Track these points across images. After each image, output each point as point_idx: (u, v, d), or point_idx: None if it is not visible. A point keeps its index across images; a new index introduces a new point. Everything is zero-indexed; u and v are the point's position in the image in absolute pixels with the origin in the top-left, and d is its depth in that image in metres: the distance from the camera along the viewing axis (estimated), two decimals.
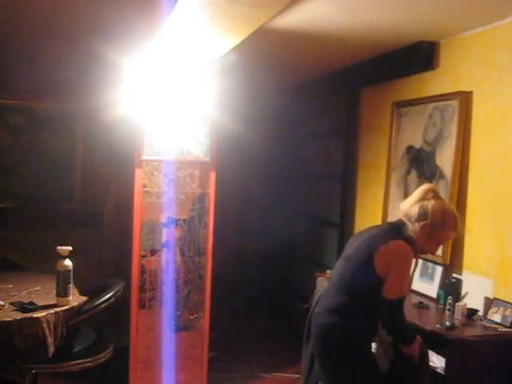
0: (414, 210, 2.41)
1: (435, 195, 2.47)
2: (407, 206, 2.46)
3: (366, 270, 2.35)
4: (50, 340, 2.83)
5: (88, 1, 2.85)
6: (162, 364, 3.60)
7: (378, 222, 3.90)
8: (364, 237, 2.46)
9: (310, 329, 2.59)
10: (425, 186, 2.52)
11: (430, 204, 2.41)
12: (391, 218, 2.66)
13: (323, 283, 3.54)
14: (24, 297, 3.11)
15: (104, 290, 3.31)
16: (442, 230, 2.42)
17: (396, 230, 2.43)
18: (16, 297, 3.11)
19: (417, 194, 2.49)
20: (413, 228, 2.40)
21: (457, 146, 3.14)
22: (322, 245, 4.87)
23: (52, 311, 2.89)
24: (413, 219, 2.41)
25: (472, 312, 2.83)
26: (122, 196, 4.52)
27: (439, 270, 3.24)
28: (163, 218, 3.63)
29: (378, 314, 2.42)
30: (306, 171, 5.39)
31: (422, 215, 2.39)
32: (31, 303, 2.95)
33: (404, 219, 2.44)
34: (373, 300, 2.37)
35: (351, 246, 2.51)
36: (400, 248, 2.36)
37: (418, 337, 2.47)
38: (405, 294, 2.43)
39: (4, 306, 2.91)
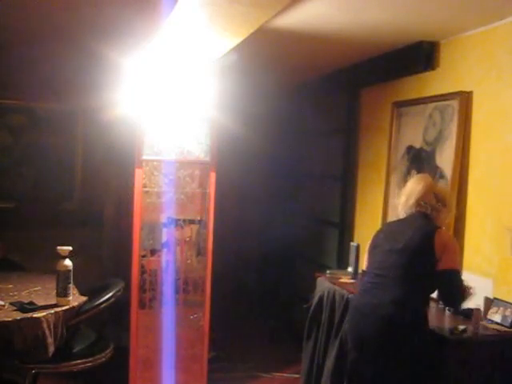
0: (432, 200, 2.62)
1: (432, 181, 2.75)
2: (415, 199, 2.63)
3: (428, 257, 2.49)
4: (49, 340, 2.83)
5: (88, 1, 2.85)
6: (161, 364, 3.60)
7: (378, 221, 3.91)
8: (409, 230, 2.57)
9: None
10: (421, 177, 2.76)
11: (441, 190, 2.72)
12: (397, 211, 2.76)
13: (323, 283, 3.55)
14: (24, 297, 3.11)
15: (104, 290, 3.31)
16: (452, 210, 2.75)
17: (428, 220, 2.61)
18: (16, 297, 3.11)
19: (419, 186, 2.66)
20: (441, 215, 2.64)
21: (457, 146, 3.14)
22: (322, 245, 4.87)
23: (52, 311, 2.89)
24: (437, 207, 2.62)
25: (471, 312, 2.83)
26: (122, 196, 4.52)
27: None
28: (163, 218, 3.63)
29: (444, 294, 2.60)
30: (306, 171, 5.39)
31: (444, 203, 2.64)
32: (31, 303, 2.95)
33: (423, 210, 2.62)
34: (430, 286, 2.57)
35: (393, 240, 2.60)
36: (447, 234, 2.65)
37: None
38: (459, 269, 2.65)
39: (4, 306, 2.91)
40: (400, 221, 2.72)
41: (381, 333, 2.50)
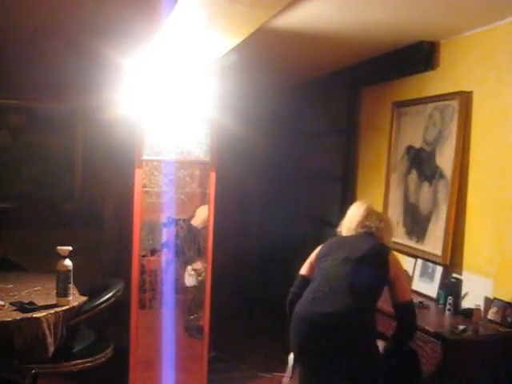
0: (376, 221, 2.72)
1: (372, 208, 2.82)
2: (358, 221, 2.72)
3: (383, 271, 2.54)
4: (49, 340, 2.83)
5: (88, 1, 2.85)
6: (161, 364, 3.60)
7: None
8: (363, 244, 2.62)
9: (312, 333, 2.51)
10: (361, 203, 2.84)
11: (381, 214, 2.88)
12: (346, 233, 2.80)
13: None
14: (24, 297, 3.11)
15: (104, 290, 3.31)
16: (391, 231, 2.83)
17: (376, 240, 2.68)
18: (16, 297, 3.11)
19: (361, 209, 2.76)
20: (382, 235, 2.71)
21: (457, 146, 3.14)
22: None
23: (52, 311, 2.89)
24: (380, 227, 2.71)
25: (471, 312, 2.83)
26: (122, 196, 4.52)
27: (439, 270, 3.24)
28: (163, 218, 3.63)
29: (399, 320, 2.58)
30: (306, 171, 5.39)
31: (386, 223, 2.76)
32: (31, 303, 2.95)
33: (367, 230, 2.70)
34: (379, 297, 2.57)
35: (348, 250, 2.61)
36: (397, 257, 2.71)
37: None
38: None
39: (4, 306, 2.91)
40: (350, 236, 2.74)
41: (334, 343, 2.43)
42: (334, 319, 2.43)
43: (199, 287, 3.68)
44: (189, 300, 3.71)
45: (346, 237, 2.75)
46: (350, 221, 2.76)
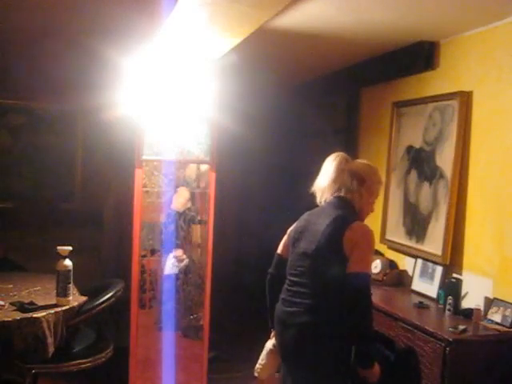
0: (347, 179, 2.37)
1: (348, 159, 2.45)
2: (329, 181, 2.40)
3: (337, 257, 2.25)
4: (49, 340, 2.84)
5: (88, 1, 2.85)
6: (161, 364, 3.60)
7: (378, 221, 3.91)
8: (321, 227, 2.32)
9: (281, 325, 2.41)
10: (335, 156, 2.46)
11: (356, 167, 2.41)
12: (320, 199, 2.48)
13: None
14: (24, 297, 3.11)
15: (104, 290, 3.31)
16: (377, 185, 2.44)
17: (345, 208, 2.36)
18: (16, 297, 3.11)
19: (333, 164, 2.42)
20: (359, 196, 2.37)
21: (457, 146, 3.14)
22: None
23: (52, 311, 2.89)
24: (352, 188, 2.37)
25: (471, 312, 2.83)
26: (122, 196, 4.52)
27: (439, 269, 3.24)
28: (163, 218, 3.63)
29: (348, 303, 2.20)
30: (306, 171, 5.38)
31: (361, 180, 2.38)
32: (31, 303, 2.95)
33: (341, 194, 2.39)
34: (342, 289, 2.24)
35: (305, 240, 2.37)
36: (362, 228, 2.30)
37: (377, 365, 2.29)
38: (370, 272, 2.30)
39: (4, 306, 2.92)
40: (316, 213, 2.44)
41: (297, 343, 2.31)
42: (295, 318, 2.31)
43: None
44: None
45: (313, 214, 2.46)
46: (319, 185, 2.45)
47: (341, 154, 2.47)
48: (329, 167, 2.44)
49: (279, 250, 2.63)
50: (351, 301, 2.18)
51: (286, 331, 2.36)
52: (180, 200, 3.60)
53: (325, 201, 2.44)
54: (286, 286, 2.44)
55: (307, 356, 2.29)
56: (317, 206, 2.50)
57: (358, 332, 2.21)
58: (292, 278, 2.39)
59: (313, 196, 2.51)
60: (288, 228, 2.61)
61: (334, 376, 2.30)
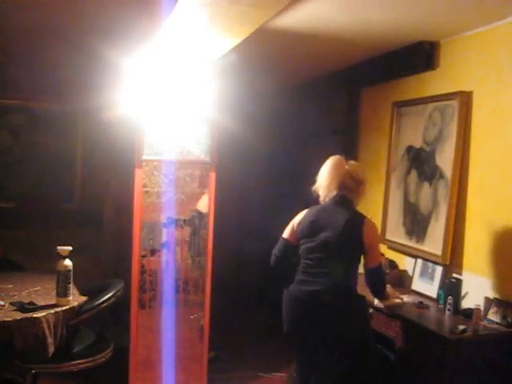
0: (349, 181, 2.79)
1: (346, 161, 2.85)
2: (335, 180, 2.79)
3: (358, 246, 2.72)
4: (49, 340, 2.83)
5: (88, 1, 2.85)
6: (162, 364, 3.60)
7: (379, 221, 3.90)
8: (339, 219, 2.73)
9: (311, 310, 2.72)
10: (336, 158, 2.84)
11: (354, 169, 2.83)
12: (324, 197, 2.88)
13: None
14: (24, 297, 3.11)
15: (104, 290, 3.31)
16: (366, 185, 2.89)
17: (350, 206, 2.80)
18: (16, 297, 3.11)
19: (336, 166, 2.81)
20: (356, 195, 2.82)
21: (457, 146, 3.14)
22: None
23: (52, 311, 2.89)
24: (352, 188, 2.80)
25: (471, 312, 2.83)
26: (122, 196, 4.52)
27: (439, 270, 3.24)
28: (163, 218, 3.63)
29: (368, 283, 2.81)
30: (306, 171, 5.38)
31: (359, 181, 2.82)
32: (31, 303, 2.95)
33: (343, 192, 2.79)
34: (357, 267, 2.80)
35: (324, 228, 2.75)
36: (373, 225, 2.80)
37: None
38: (381, 261, 2.93)
39: (4, 306, 2.91)
40: (328, 209, 2.82)
41: (330, 316, 2.67)
42: (320, 295, 2.67)
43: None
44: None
45: (322, 210, 2.84)
46: (324, 184, 2.82)
47: (340, 156, 2.86)
48: (331, 169, 2.81)
49: (286, 235, 2.95)
50: (374, 285, 2.82)
51: (303, 307, 2.73)
52: (206, 202, 3.65)
53: (329, 198, 2.82)
54: (304, 269, 2.79)
55: (341, 321, 2.68)
56: (318, 203, 2.87)
57: (377, 295, 2.91)
58: (311, 263, 2.76)
59: (312, 194, 2.87)
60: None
61: (364, 330, 2.76)
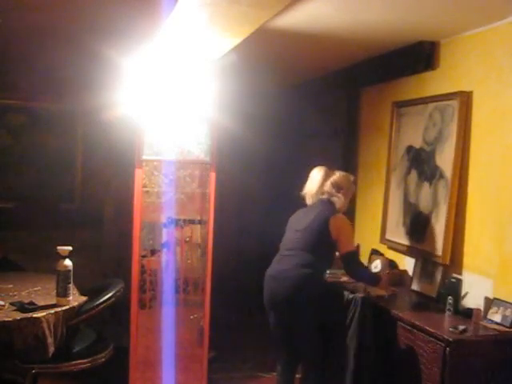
0: (329, 188, 3.29)
1: (329, 171, 3.36)
2: (316, 188, 3.30)
3: (324, 234, 3.14)
4: (49, 340, 2.84)
5: (88, 1, 2.85)
6: (161, 364, 3.60)
7: (379, 221, 3.92)
8: (311, 215, 3.22)
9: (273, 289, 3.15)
10: (318, 169, 3.37)
11: (336, 178, 3.32)
12: (309, 201, 3.36)
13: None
14: (24, 297, 3.11)
15: (104, 290, 3.31)
16: (351, 190, 3.38)
17: (328, 206, 3.25)
18: (16, 297, 3.11)
19: (318, 177, 3.33)
20: (339, 199, 3.27)
21: (457, 146, 3.14)
22: None
23: (52, 311, 2.89)
24: (333, 193, 3.27)
25: (471, 312, 2.83)
26: (122, 196, 4.52)
27: (439, 270, 3.24)
28: (163, 218, 3.63)
29: (345, 270, 3.26)
30: (306, 171, 5.38)
31: (339, 187, 3.29)
32: (31, 303, 2.95)
33: (325, 196, 3.28)
34: (328, 256, 3.22)
35: (299, 223, 3.26)
36: (341, 218, 3.23)
37: (383, 278, 3.32)
38: (355, 248, 3.46)
39: (4, 306, 2.91)
40: (307, 208, 3.34)
41: (288, 289, 3.05)
42: (286, 272, 3.10)
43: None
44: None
45: (305, 209, 3.34)
46: (310, 188, 3.34)
47: (323, 167, 3.38)
48: (316, 177, 3.34)
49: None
50: (349, 270, 3.24)
51: (279, 283, 3.11)
52: None
53: (313, 202, 3.33)
54: (278, 256, 3.26)
55: (300, 299, 3.04)
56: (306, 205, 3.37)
57: (360, 281, 3.36)
58: (284, 250, 3.24)
59: (303, 198, 3.37)
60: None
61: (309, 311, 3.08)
